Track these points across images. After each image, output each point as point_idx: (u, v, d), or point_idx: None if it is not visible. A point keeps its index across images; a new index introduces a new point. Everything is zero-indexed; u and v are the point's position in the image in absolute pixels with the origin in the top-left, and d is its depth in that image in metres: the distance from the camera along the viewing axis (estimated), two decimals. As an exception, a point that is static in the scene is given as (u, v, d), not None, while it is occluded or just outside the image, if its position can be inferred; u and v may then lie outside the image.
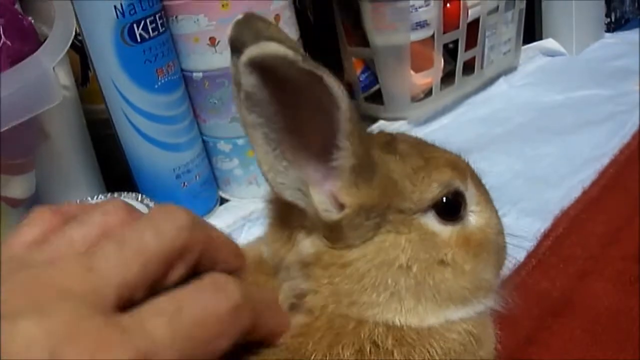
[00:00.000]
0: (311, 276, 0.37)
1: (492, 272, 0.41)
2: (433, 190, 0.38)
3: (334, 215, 0.35)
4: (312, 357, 0.35)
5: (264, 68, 0.30)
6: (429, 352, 0.36)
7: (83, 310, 0.27)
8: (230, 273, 0.34)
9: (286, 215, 0.38)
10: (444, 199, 0.38)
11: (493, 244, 0.41)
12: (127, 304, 0.28)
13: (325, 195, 0.35)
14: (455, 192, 0.39)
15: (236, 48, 0.35)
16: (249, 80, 0.31)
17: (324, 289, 0.36)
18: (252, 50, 0.30)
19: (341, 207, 0.35)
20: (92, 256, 0.29)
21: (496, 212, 0.43)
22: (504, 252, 0.44)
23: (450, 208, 0.38)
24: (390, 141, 0.40)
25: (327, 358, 0.35)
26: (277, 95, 0.32)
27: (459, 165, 0.40)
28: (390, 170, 0.37)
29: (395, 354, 0.35)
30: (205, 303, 0.30)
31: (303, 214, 0.36)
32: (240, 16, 0.36)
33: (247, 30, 0.35)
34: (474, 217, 0.40)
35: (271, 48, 0.30)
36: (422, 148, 0.41)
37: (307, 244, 0.37)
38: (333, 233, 0.36)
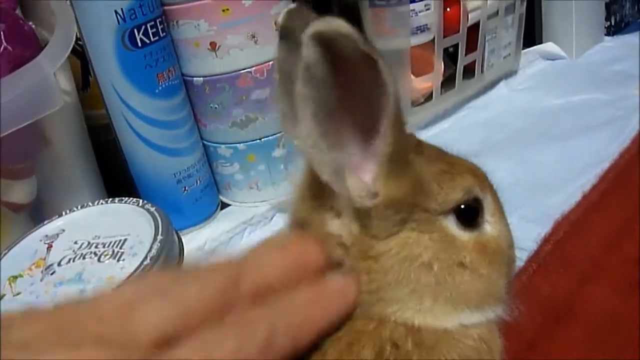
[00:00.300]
0: (342, 265, 0.37)
1: (502, 282, 0.41)
2: (457, 193, 0.38)
3: (366, 202, 0.36)
4: (329, 356, 0.35)
5: (325, 43, 0.31)
6: (445, 357, 0.36)
7: (118, 355, 0.27)
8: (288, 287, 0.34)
9: (317, 201, 0.39)
10: (464, 204, 0.38)
11: (505, 255, 0.42)
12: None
13: (360, 180, 0.36)
14: (475, 198, 0.39)
15: (285, 35, 0.36)
16: (312, 53, 0.31)
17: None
18: (319, 25, 0.30)
19: (374, 195, 0.36)
20: (135, 302, 0.29)
21: (508, 226, 0.43)
22: (513, 266, 0.44)
23: (469, 214, 0.39)
24: (417, 144, 0.40)
25: (345, 357, 0.35)
26: (333, 72, 0.32)
27: (479, 174, 0.41)
28: (419, 170, 0.37)
29: (415, 357, 0.35)
30: (232, 346, 0.30)
31: (334, 199, 0.37)
32: (292, 5, 0.37)
33: (299, 18, 0.36)
34: (489, 227, 0.41)
35: (338, 24, 0.30)
36: (444, 154, 0.41)
37: (337, 224, 0.37)
38: (362, 221, 0.37)
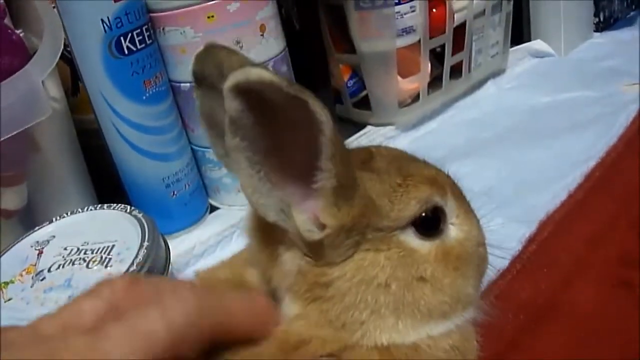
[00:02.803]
0: (297, 298, 0.37)
1: (472, 285, 0.41)
2: (411, 207, 0.38)
3: (315, 235, 0.35)
4: None
5: (247, 93, 0.30)
6: None
7: None
8: (251, 333, 0.35)
9: (268, 235, 0.39)
10: (423, 215, 0.38)
11: (473, 256, 0.41)
12: None
13: (306, 215, 0.35)
14: (434, 207, 0.39)
15: (199, 80, 0.36)
16: (234, 105, 0.31)
17: (312, 311, 0.37)
18: (237, 76, 0.30)
19: (322, 227, 0.35)
20: (99, 336, 0.30)
21: (477, 223, 0.43)
22: (485, 264, 0.44)
23: (429, 224, 0.39)
24: (368, 159, 0.40)
25: None
26: (260, 118, 0.32)
27: (437, 181, 0.40)
28: (368, 189, 0.37)
29: None
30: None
31: (284, 232, 0.37)
32: (200, 49, 0.37)
33: (209, 62, 0.36)
34: (454, 230, 0.41)
35: (256, 73, 0.30)
36: (401, 164, 0.41)
37: (289, 258, 0.37)
38: (314, 251, 0.36)
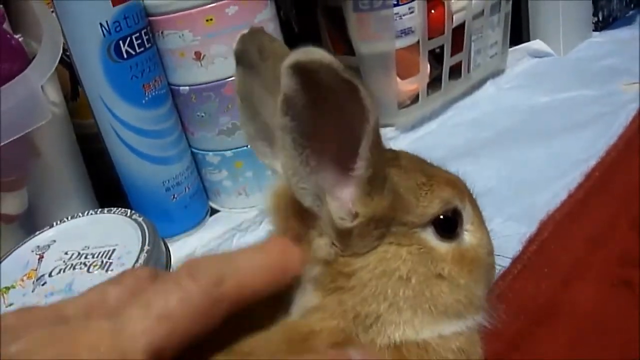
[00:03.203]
0: (320, 288, 0.37)
1: (482, 290, 0.42)
2: (434, 206, 0.39)
3: (347, 223, 0.36)
4: None
5: (304, 72, 0.30)
6: None
7: None
8: (273, 285, 0.35)
9: (297, 218, 0.39)
10: (443, 216, 0.39)
11: (484, 263, 0.42)
12: None
13: (341, 203, 0.36)
14: (454, 210, 0.40)
15: (242, 59, 0.37)
16: (290, 83, 0.31)
17: (330, 303, 0.37)
18: (299, 54, 0.30)
19: (355, 216, 0.36)
20: (121, 318, 0.30)
21: (488, 233, 0.44)
22: (492, 272, 0.45)
23: (448, 225, 0.40)
24: (395, 156, 0.41)
25: None
26: (312, 100, 0.32)
27: (458, 185, 0.42)
28: (396, 184, 0.38)
29: None
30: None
31: (315, 218, 0.37)
32: (245, 30, 0.37)
33: (251, 44, 0.37)
34: (469, 236, 0.42)
35: (319, 54, 0.30)
36: (424, 165, 0.42)
37: (322, 244, 0.37)
38: (343, 240, 0.37)
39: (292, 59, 0.30)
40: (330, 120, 0.33)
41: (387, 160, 0.38)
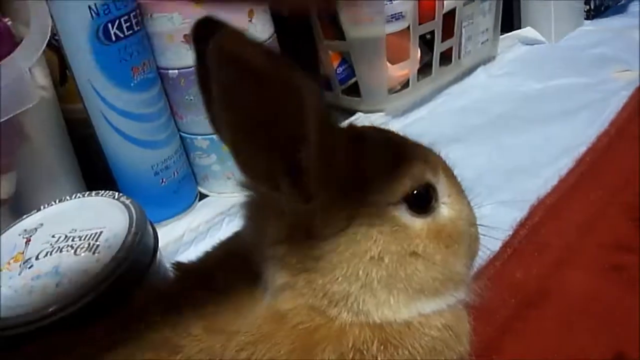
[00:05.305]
0: (287, 267, 0.37)
1: (463, 264, 0.41)
2: (404, 183, 0.38)
3: (303, 205, 0.36)
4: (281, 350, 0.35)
5: (236, 60, 0.30)
6: (411, 353, 0.36)
7: None
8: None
9: (261, 207, 0.39)
10: (415, 191, 0.38)
11: (464, 235, 0.42)
12: None
13: (294, 185, 0.35)
14: (426, 184, 0.39)
15: (196, 42, 0.36)
16: (224, 73, 0.31)
17: (300, 280, 0.37)
18: (223, 40, 0.30)
19: (309, 198, 0.36)
20: None
21: (469, 203, 0.44)
22: (476, 243, 0.44)
23: (421, 200, 0.39)
24: (361, 134, 0.40)
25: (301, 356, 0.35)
26: (249, 88, 0.31)
27: (429, 158, 0.41)
28: (361, 164, 0.37)
29: (380, 358, 0.36)
30: None
31: (277, 203, 0.37)
32: (199, 17, 0.36)
33: (206, 28, 0.36)
34: (446, 209, 0.41)
35: (243, 38, 0.30)
36: (393, 142, 0.41)
37: (280, 228, 0.37)
38: (304, 224, 0.37)
39: (214, 41, 0.30)
40: (273, 104, 0.33)
41: (349, 140, 0.38)
